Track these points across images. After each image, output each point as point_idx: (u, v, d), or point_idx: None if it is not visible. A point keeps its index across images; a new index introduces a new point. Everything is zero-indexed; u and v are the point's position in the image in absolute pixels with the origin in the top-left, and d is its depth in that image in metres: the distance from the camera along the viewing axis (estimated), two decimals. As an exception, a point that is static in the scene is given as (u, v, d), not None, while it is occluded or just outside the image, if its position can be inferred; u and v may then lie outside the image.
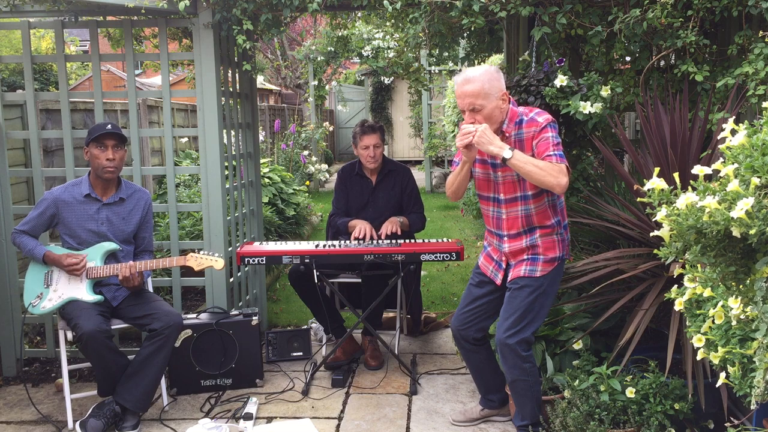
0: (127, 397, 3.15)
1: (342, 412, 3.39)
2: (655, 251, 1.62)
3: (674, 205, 1.49)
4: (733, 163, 1.44)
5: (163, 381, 3.41)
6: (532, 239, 2.85)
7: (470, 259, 5.94)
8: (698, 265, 1.70)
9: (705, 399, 2.62)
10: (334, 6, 3.79)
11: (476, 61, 5.38)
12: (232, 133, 4.26)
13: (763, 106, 1.76)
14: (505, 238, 2.89)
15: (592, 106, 3.16)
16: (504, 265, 2.93)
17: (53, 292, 3.22)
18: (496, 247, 2.97)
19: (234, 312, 3.78)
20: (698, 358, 1.95)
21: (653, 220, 1.55)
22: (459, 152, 2.88)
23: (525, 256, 2.87)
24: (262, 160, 6.81)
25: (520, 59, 3.62)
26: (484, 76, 2.69)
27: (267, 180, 6.80)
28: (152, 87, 10.19)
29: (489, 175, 2.88)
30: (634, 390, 2.67)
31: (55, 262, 3.22)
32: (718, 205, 1.38)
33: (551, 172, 2.60)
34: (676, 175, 1.74)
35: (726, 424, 2.13)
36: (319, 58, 10.94)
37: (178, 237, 3.94)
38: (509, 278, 2.89)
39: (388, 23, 4.61)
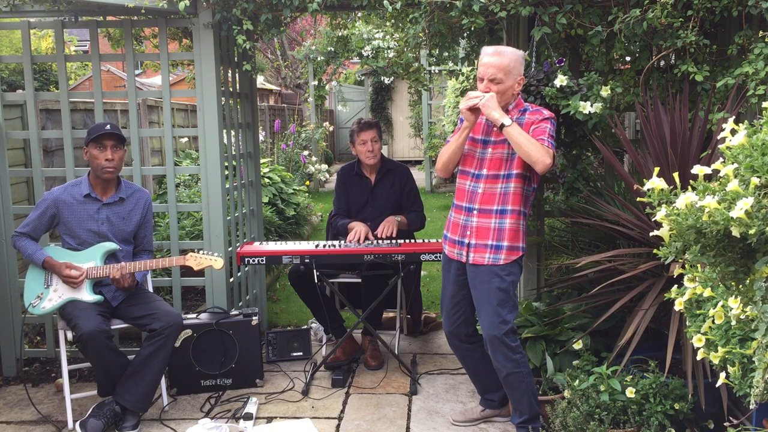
0: (127, 397, 3.16)
1: (342, 412, 3.40)
2: (655, 251, 1.62)
3: (674, 205, 1.49)
4: (732, 163, 1.44)
5: (163, 381, 3.41)
6: (501, 222, 2.90)
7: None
8: (698, 265, 1.70)
9: (705, 399, 2.62)
10: (334, 6, 3.79)
11: (476, 62, 5.36)
12: (232, 133, 4.26)
13: (763, 106, 1.76)
14: (475, 212, 2.95)
15: (592, 106, 3.15)
16: (467, 242, 2.96)
17: (53, 292, 3.22)
18: (461, 223, 3.00)
19: (234, 312, 3.78)
20: (698, 358, 1.95)
21: (653, 220, 1.55)
22: (455, 131, 3.02)
23: (489, 242, 2.91)
24: (262, 160, 6.79)
25: (520, 59, 3.61)
26: (513, 56, 2.87)
27: (267, 180, 6.80)
28: (152, 87, 10.18)
29: (476, 152, 2.99)
30: (634, 390, 2.67)
31: (54, 270, 3.20)
32: (718, 204, 1.38)
33: (539, 149, 2.75)
34: (676, 175, 1.74)
35: (726, 424, 2.13)
36: (319, 58, 10.92)
37: (178, 237, 3.94)
38: (471, 260, 2.94)
39: (388, 23, 4.60)
